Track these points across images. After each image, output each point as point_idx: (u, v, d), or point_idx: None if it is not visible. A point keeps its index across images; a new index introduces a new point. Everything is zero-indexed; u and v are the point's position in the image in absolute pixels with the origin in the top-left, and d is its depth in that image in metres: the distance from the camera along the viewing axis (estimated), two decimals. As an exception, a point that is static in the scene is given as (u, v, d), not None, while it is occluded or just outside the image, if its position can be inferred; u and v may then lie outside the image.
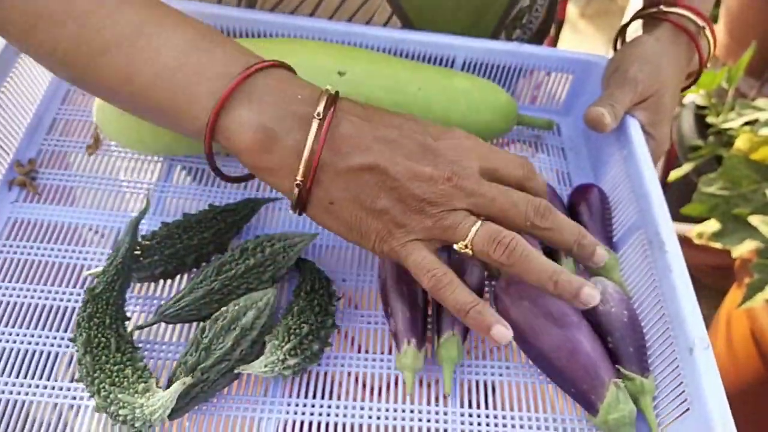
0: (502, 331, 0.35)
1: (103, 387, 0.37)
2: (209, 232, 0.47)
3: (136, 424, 0.36)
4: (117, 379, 0.38)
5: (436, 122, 0.54)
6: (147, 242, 0.45)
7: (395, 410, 0.42)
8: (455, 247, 0.37)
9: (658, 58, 0.54)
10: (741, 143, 0.98)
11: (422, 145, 0.38)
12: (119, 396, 0.37)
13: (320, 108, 0.36)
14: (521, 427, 0.41)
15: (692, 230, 1.08)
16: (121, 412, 0.36)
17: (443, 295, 0.36)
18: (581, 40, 1.92)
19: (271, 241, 0.46)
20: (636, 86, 0.52)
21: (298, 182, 0.36)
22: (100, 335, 0.40)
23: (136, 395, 0.37)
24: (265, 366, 0.39)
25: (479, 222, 0.36)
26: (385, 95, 0.53)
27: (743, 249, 0.94)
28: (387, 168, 0.36)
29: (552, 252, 0.48)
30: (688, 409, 0.39)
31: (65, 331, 0.45)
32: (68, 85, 0.60)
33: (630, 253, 0.49)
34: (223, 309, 0.41)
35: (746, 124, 1.08)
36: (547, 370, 0.42)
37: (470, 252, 0.36)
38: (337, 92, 0.38)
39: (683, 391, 0.39)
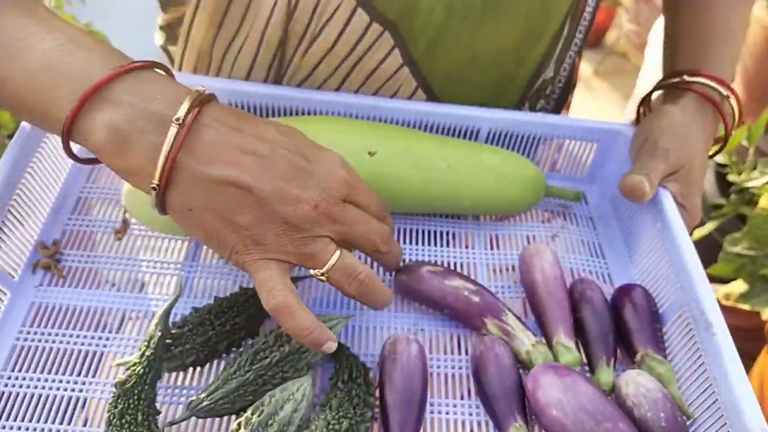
0: (332, 346, 0.40)
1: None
2: (242, 317, 0.46)
3: None
4: (150, 483, 0.36)
5: (466, 198, 0.56)
6: (178, 330, 0.44)
7: None
8: (311, 272, 0.39)
9: (686, 129, 0.55)
10: (765, 202, 0.99)
11: (294, 166, 0.38)
12: (154, 503, 0.35)
13: (182, 111, 0.35)
14: None
15: (719, 291, 1.07)
16: None
17: (282, 317, 0.38)
18: (595, 97, 1.95)
19: (306, 326, 0.45)
20: (667, 157, 0.53)
21: (153, 185, 0.36)
22: (132, 433, 0.39)
23: (171, 502, 0.35)
24: (305, 467, 0.37)
25: (338, 253, 0.39)
26: (415, 173, 0.54)
27: (773, 310, 0.93)
28: (252, 186, 0.36)
29: (589, 358, 0.47)
30: None
31: (96, 426, 0.43)
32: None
33: (673, 333, 0.48)
34: (258, 402, 0.40)
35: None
36: None
37: (325, 279, 0.40)
38: (211, 94, 0.38)
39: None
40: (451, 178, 0.55)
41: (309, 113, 0.59)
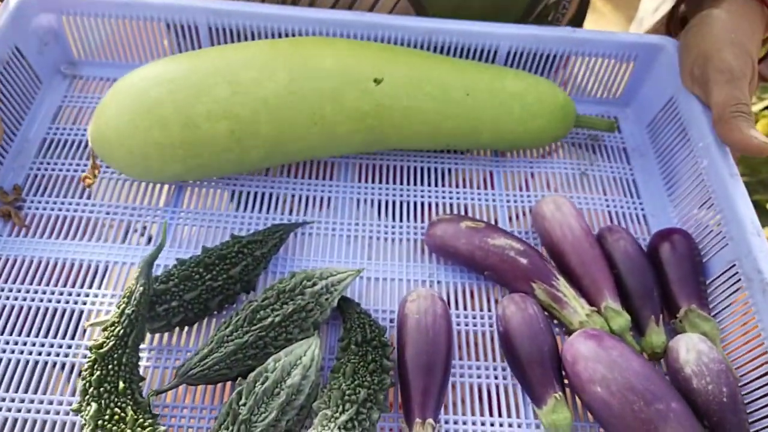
0: None
1: (122, 475, 0.32)
2: (236, 270, 0.41)
3: None
4: (138, 463, 0.32)
5: (487, 132, 0.50)
6: (162, 285, 0.39)
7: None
8: None
9: (739, 35, 0.48)
10: (760, 128, 0.95)
11: None
12: (143, 487, 0.31)
13: None
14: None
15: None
16: (146, 508, 0.30)
17: None
18: (597, 19, 1.86)
19: (312, 279, 0.40)
20: (746, 75, 0.46)
21: None
22: (113, 405, 0.34)
23: (163, 484, 0.31)
24: (319, 443, 0.33)
25: None
26: (430, 104, 0.48)
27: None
28: None
29: (638, 321, 0.42)
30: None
31: (71, 395, 0.38)
32: (60, 100, 0.54)
33: (718, 289, 0.44)
34: (261, 368, 0.35)
35: (766, 108, 1.05)
36: None
37: None
38: None
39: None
40: (469, 109, 0.49)
41: (301, 34, 0.52)
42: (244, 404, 0.34)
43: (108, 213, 0.47)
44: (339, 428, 0.33)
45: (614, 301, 0.41)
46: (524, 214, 0.51)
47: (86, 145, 0.51)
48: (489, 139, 0.50)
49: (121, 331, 0.36)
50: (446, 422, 0.39)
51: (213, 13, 0.51)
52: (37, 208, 0.47)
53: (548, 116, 0.51)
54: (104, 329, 0.36)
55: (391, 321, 0.43)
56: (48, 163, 0.50)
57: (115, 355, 0.35)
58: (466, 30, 0.52)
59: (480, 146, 0.52)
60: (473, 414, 0.39)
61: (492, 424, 0.39)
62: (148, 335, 0.41)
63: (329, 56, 0.46)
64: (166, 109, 0.43)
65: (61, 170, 0.49)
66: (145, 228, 0.47)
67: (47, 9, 0.52)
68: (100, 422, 0.33)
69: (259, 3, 0.52)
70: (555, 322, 0.44)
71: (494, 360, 0.42)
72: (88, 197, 0.48)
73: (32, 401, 0.38)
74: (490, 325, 0.44)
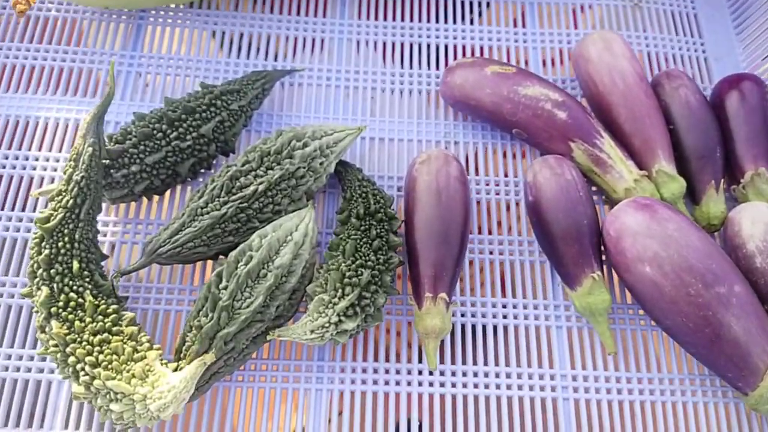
0: None
1: (83, 369, 0.27)
2: (208, 127, 0.34)
3: (138, 423, 0.27)
4: (102, 356, 0.27)
5: None
6: (117, 145, 0.32)
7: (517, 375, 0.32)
8: None
9: None
10: None
11: None
12: (108, 383, 0.26)
13: None
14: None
15: None
16: (114, 407, 0.26)
17: None
18: None
19: (303, 140, 0.33)
20: None
21: None
22: (67, 289, 0.29)
23: (133, 380, 0.27)
24: (312, 332, 0.28)
25: None
26: None
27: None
28: None
29: (690, 183, 0.36)
30: None
31: (16, 275, 0.33)
32: None
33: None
34: (245, 245, 0.30)
35: None
36: (684, 347, 0.32)
37: None
38: None
39: None
40: None
41: None
42: (225, 288, 0.29)
43: (54, 60, 0.39)
44: (338, 315, 0.28)
45: (668, 163, 0.35)
46: (563, 58, 0.42)
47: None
48: None
49: (70, 201, 0.30)
50: (462, 304, 0.34)
51: None
52: (-39, 51, 0.39)
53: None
54: (50, 199, 0.30)
55: (399, 189, 0.37)
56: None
57: (66, 230, 0.30)
58: None
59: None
60: (493, 295, 0.35)
61: (515, 306, 0.34)
62: (108, 205, 0.35)
63: None
64: None
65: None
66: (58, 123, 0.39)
67: None
68: (53, 309, 0.28)
69: None
70: (594, 189, 0.37)
71: (519, 234, 0.36)
72: (30, 41, 0.40)
73: (-20, 281, 0.33)
74: (517, 194, 0.37)
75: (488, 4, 0.44)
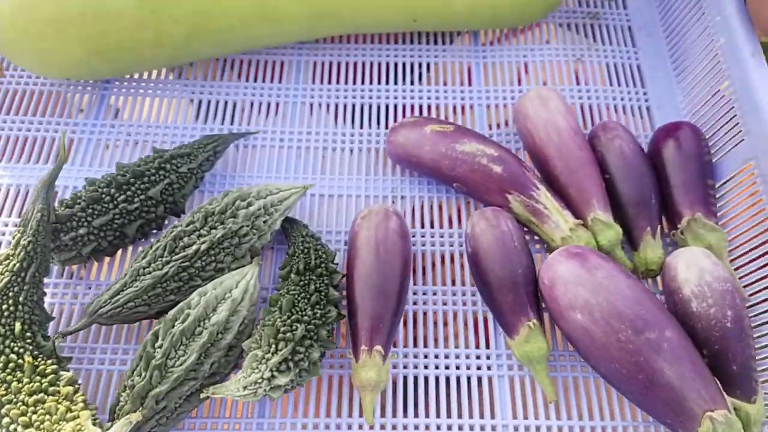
0: None
1: (15, 430, 0.28)
2: (156, 189, 0.35)
3: (67, 484, 0.27)
4: (36, 416, 0.28)
5: (456, 11, 0.42)
6: (67, 210, 0.34)
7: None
8: None
9: None
10: None
11: None
12: (39, 444, 0.27)
13: None
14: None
15: None
16: (42, 468, 0.27)
17: None
18: None
19: (247, 199, 0.35)
20: None
21: None
22: (8, 351, 0.30)
23: (63, 441, 0.27)
24: (245, 389, 0.29)
25: None
26: None
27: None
28: None
29: (627, 230, 0.37)
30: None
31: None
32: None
33: (730, 193, 0.38)
34: (182, 304, 0.31)
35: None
36: (623, 394, 0.32)
37: None
38: None
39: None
40: None
41: None
42: (160, 346, 0.30)
43: (12, 129, 0.41)
44: (271, 370, 0.29)
45: (604, 212, 0.36)
46: (506, 113, 0.44)
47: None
48: (464, 7, 0.43)
49: (17, 265, 0.31)
50: (405, 356, 0.34)
51: None
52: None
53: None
54: (-2, 263, 0.31)
55: (346, 244, 0.38)
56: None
57: (10, 293, 0.31)
58: None
59: (455, 20, 0.44)
60: (436, 346, 0.35)
61: (457, 356, 0.34)
62: (58, 267, 0.36)
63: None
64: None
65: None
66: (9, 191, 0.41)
67: None
68: (-8, 371, 0.29)
69: None
70: (536, 238, 0.38)
71: (463, 284, 0.37)
72: (-9, 110, 0.42)
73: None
74: (460, 245, 0.38)
75: (436, 65, 0.46)
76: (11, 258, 0.31)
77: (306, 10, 0.41)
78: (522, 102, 0.40)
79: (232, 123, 0.43)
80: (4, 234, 0.37)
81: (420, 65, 0.46)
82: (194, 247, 0.33)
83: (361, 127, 0.43)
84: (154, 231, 0.37)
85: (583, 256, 0.32)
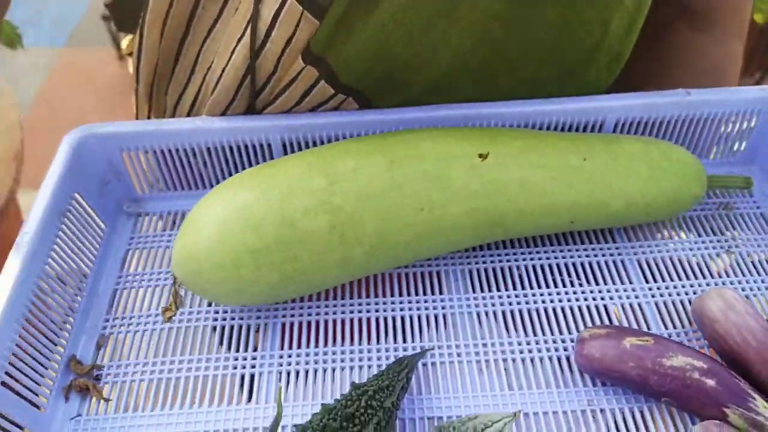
0: None
1: None
2: (367, 430, 0.35)
3: None
4: None
5: (617, 199, 0.44)
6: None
7: None
8: None
9: None
10: None
11: None
12: None
13: None
14: None
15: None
16: None
17: None
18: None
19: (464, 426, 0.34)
20: None
21: None
22: None
23: None
24: None
25: None
26: (544, 174, 0.43)
27: None
28: None
29: None
30: None
31: None
32: (127, 243, 0.49)
33: None
34: None
35: None
36: None
37: None
38: None
39: None
40: (590, 173, 0.44)
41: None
42: None
43: (198, 369, 0.42)
44: None
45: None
46: (677, 310, 0.44)
47: (162, 292, 0.46)
48: (621, 206, 0.45)
49: None
50: None
51: (287, 129, 0.48)
52: (117, 375, 0.41)
53: (680, 172, 0.46)
54: None
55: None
56: (123, 318, 0.45)
57: None
58: (568, 109, 0.48)
59: (610, 218, 0.46)
60: None
61: None
62: None
63: (426, 139, 0.43)
64: (259, 210, 0.39)
65: (138, 325, 0.44)
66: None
67: (106, 148, 0.48)
68: None
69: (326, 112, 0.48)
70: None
71: None
72: (173, 354, 0.43)
73: None
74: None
75: (589, 263, 0.47)
76: None
77: (473, 221, 0.43)
78: (704, 303, 0.41)
79: (404, 341, 0.43)
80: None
81: (574, 264, 0.47)
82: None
83: (535, 335, 0.43)
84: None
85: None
